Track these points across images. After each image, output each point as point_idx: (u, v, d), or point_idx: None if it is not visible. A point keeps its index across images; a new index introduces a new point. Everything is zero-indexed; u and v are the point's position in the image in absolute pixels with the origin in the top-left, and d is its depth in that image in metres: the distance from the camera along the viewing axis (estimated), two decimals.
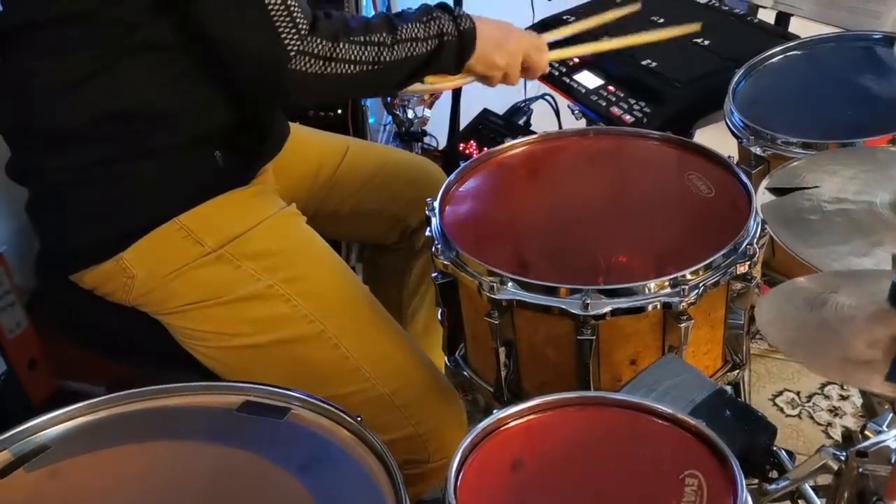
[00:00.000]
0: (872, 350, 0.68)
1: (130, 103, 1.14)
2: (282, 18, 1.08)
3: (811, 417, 1.90)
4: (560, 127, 2.12)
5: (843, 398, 1.93)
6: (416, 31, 1.19)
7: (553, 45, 1.41)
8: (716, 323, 1.11)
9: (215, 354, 1.22)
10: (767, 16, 1.72)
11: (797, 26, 1.68)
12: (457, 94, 2.21)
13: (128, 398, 0.94)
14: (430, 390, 1.26)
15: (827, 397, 1.94)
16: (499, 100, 2.19)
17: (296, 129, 1.45)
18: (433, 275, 1.15)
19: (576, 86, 1.57)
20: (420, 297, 1.62)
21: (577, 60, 1.62)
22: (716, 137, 1.39)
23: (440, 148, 2.17)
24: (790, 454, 0.87)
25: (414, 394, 1.24)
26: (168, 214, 1.18)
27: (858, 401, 1.91)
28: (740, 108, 1.32)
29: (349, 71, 1.14)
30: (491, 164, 1.29)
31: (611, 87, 1.54)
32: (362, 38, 1.14)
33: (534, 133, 1.77)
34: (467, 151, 2.01)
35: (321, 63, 1.12)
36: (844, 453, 0.77)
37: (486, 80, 1.33)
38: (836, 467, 0.78)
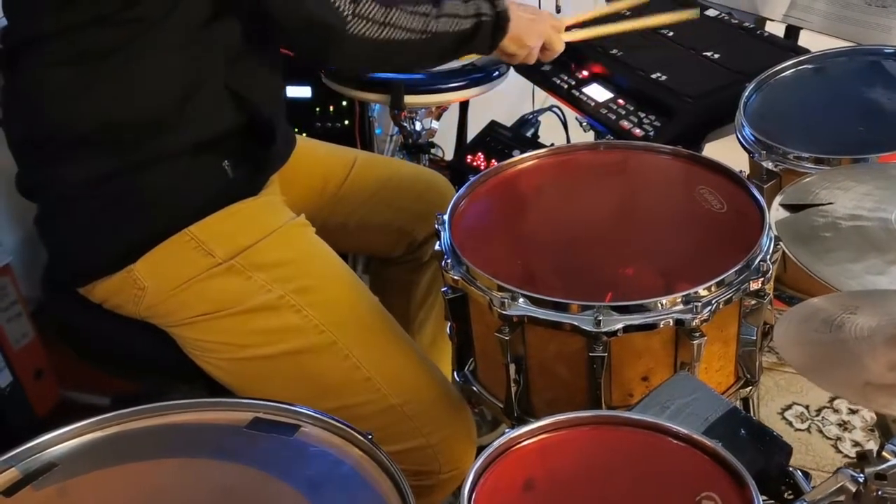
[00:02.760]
0: (893, 373, 0.67)
1: (138, 109, 1.14)
2: None
3: (820, 431, 1.89)
4: (568, 139, 2.12)
5: (853, 412, 1.92)
6: (457, 7, 1.26)
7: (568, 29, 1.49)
8: (728, 339, 1.10)
9: (225, 366, 1.21)
10: (776, 29, 1.71)
11: (806, 40, 1.67)
12: (464, 105, 2.21)
13: (136, 415, 0.93)
14: (440, 401, 1.26)
15: (836, 411, 1.93)
16: (506, 112, 2.19)
17: (303, 142, 1.45)
18: (443, 289, 1.14)
19: (585, 99, 1.56)
20: (427, 310, 1.61)
21: (585, 74, 1.61)
22: (726, 151, 1.38)
23: (447, 159, 2.17)
24: (806, 475, 0.86)
25: (425, 405, 1.24)
26: (178, 226, 1.18)
27: (868, 415, 1.90)
28: (751, 122, 1.31)
29: (400, 37, 1.20)
30: (500, 177, 1.28)
31: (620, 101, 1.53)
32: (411, 8, 1.21)
33: (542, 145, 1.77)
34: (474, 163, 2.01)
35: (377, 27, 1.18)
36: (863, 475, 0.76)
37: (510, 57, 1.40)
38: (853, 489, 0.76)
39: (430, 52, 1.29)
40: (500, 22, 1.30)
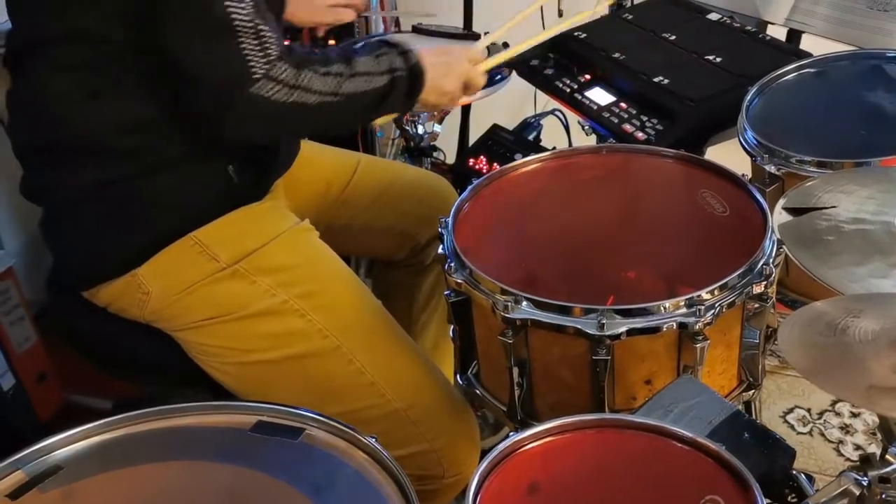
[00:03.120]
0: None
1: (142, 115, 1.14)
2: (250, 42, 1.06)
3: (822, 435, 1.88)
4: (570, 142, 2.12)
5: (855, 415, 1.92)
6: (369, 65, 1.18)
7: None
8: (731, 343, 1.10)
9: (230, 370, 1.22)
10: (778, 33, 1.71)
11: (808, 44, 1.68)
12: (466, 109, 2.22)
13: (141, 418, 0.94)
14: (444, 405, 1.26)
15: (838, 414, 1.93)
16: (508, 115, 2.19)
17: (306, 145, 1.45)
18: (446, 293, 1.14)
19: (587, 102, 1.57)
20: (429, 313, 1.62)
21: (587, 77, 1.62)
22: (728, 155, 1.38)
23: (449, 163, 2.17)
24: (810, 478, 0.86)
25: (428, 409, 1.24)
26: (183, 230, 1.18)
27: (870, 418, 1.90)
28: (754, 125, 1.31)
29: (310, 101, 1.12)
30: (503, 181, 1.28)
31: (623, 104, 1.53)
32: (323, 70, 1.13)
33: (544, 148, 1.78)
34: (477, 167, 2.01)
35: (286, 90, 1.09)
36: (867, 479, 0.76)
37: (433, 108, 1.34)
38: (857, 493, 0.77)
39: (341, 117, 1.21)
40: (414, 76, 1.22)
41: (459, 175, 1.95)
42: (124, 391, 1.45)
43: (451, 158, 2.19)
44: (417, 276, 1.60)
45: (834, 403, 1.95)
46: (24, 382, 1.81)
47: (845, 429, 1.90)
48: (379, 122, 1.32)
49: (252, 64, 1.06)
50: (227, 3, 1.04)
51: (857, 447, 1.85)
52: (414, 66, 1.22)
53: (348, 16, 1.68)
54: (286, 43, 1.12)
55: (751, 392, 1.14)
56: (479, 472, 0.80)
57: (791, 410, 1.95)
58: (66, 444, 0.90)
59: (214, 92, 1.08)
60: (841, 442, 1.87)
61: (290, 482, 0.86)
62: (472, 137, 2.14)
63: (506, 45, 1.79)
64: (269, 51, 1.07)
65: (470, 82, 1.33)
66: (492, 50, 1.72)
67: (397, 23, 2.30)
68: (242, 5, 1.04)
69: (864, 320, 0.75)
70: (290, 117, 1.13)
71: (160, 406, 0.93)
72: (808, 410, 1.94)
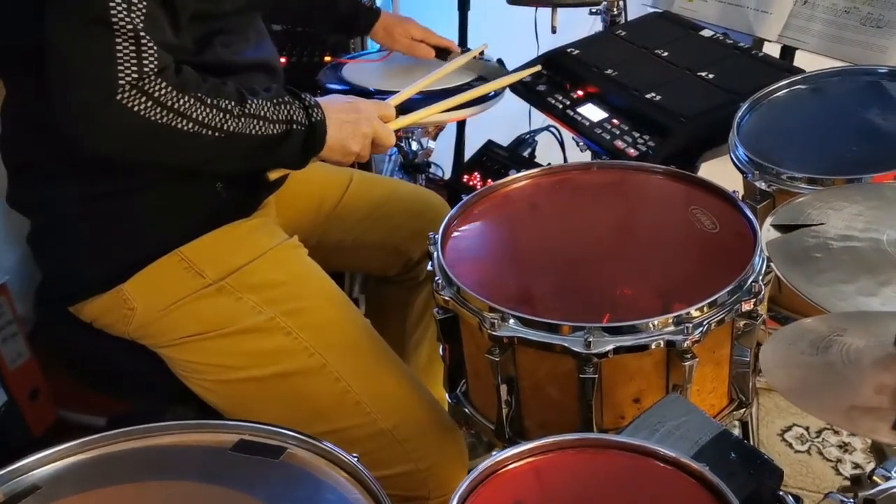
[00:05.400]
0: (880, 396, 0.66)
1: None
2: (126, 47, 1.00)
3: (820, 453, 1.87)
4: (565, 159, 2.12)
5: (853, 434, 1.90)
6: (265, 109, 1.12)
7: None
8: (721, 361, 1.09)
9: (214, 388, 1.21)
10: (773, 49, 1.71)
11: (802, 60, 1.67)
12: (461, 125, 2.22)
13: (120, 437, 0.93)
14: (431, 426, 1.25)
15: (836, 433, 1.91)
16: (504, 131, 2.19)
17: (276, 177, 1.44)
18: (434, 310, 1.13)
19: (580, 119, 1.56)
20: (423, 329, 1.61)
21: (580, 94, 1.61)
22: (721, 171, 1.37)
23: (445, 179, 2.17)
24: (797, 499, 0.85)
25: (415, 429, 1.23)
26: (170, 246, 1.18)
27: (869, 439, 1.88)
28: (745, 142, 1.31)
29: (187, 128, 1.05)
30: (493, 197, 1.28)
31: (615, 120, 1.53)
32: (210, 100, 1.07)
33: (538, 165, 1.78)
34: (471, 183, 2.01)
35: (157, 109, 1.02)
36: (852, 500, 0.75)
37: (337, 163, 1.28)
38: None
39: (226, 155, 1.11)
40: (314, 133, 1.17)
41: (455, 191, 1.95)
42: (118, 408, 1.44)
43: (446, 175, 2.20)
44: (410, 293, 1.59)
45: None
46: (17, 399, 1.80)
47: (844, 447, 1.88)
48: (272, 175, 1.26)
49: (122, 69, 0.99)
50: (112, 2, 0.99)
51: (856, 466, 1.84)
52: (316, 123, 1.17)
53: (422, 51, 1.70)
54: (179, 64, 1.06)
55: (741, 410, 1.13)
56: (459, 493, 0.79)
57: (789, 428, 1.93)
58: (44, 464, 0.89)
59: (79, 95, 1.00)
60: (839, 461, 1.85)
61: (271, 502, 0.85)
62: (468, 153, 2.14)
63: (500, 62, 1.80)
64: (147, 61, 1.01)
65: (378, 140, 1.28)
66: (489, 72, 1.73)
67: None
68: (127, 8, 0.99)
69: (848, 339, 0.74)
70: (158, 140, 1.05)
71: (139, 425, 0.93)
72: (807, 429, 1.93)
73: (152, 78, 1.02)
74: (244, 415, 1.15)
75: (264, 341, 1.18)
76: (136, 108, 1.01)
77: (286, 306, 1.19)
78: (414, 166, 1.88)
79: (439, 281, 1.10)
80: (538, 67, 1.67)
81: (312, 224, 1.46)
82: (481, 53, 1.75)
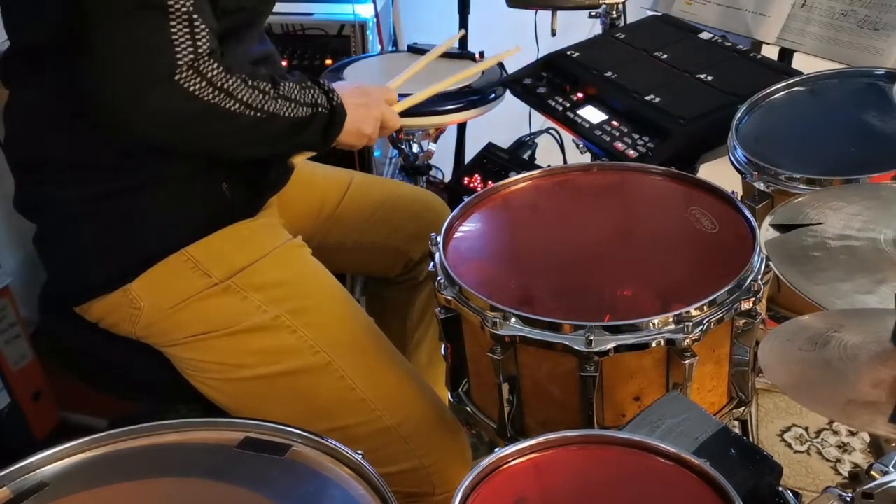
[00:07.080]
0: (877, 390, 0.67)
1: None
2: (181, 29, 1.01)
3: (819, 453, 1.88)
4: (565, 160, 2.13)
5: (852, 434, 1.91)
6: (295, 93, 1.17)
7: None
8: (721, 359, 1.10)
9: (220, 387, 1.22)
10: (770, 52, 1.73)
11: (800, 62, 1.69)
12: (462, 128, 2.23)
13: (127, 435, 0.94)
14: (435, 423, 1.26)
15: (836, 433, 1.92)
16: (503, 134, 2.21)
17: (301, 164, 1.46)
18: (436, 310, 1.14)
19: (580, 121, 1.57)
20: (424, 330, 1.62)
21: (580, 96, 1.63)
22: (720, 173, 1.39)
23: (445, 181, 2.19)
24: (796, 494, 0.86)
25: (419, 426, 1.24)
26: (176, 246, 1.19)
27: (867, 436, 1.89)
28: (744, 143, 1.32)
29: (233, 109, 1.08)
30: (494, 198, 1.29)
31: (615, 122, 1.54)
32: (251, 82, 1.11)
33: (538, 167, 1.78)
34: (472, 185, 2.02)
35: (209, 89, 1.05)
36: (850, 495, 0.76)
37: (349, 147, 1.32)
38: None
39: (263, 136, 1.15)
40: (335, 117, 1.22)
41: (455, 193, 1.96)
42: (120, 409, 1.45)
43: (447, 177, 2.21)
44: (411, 293, 1.60)
45: (832, 422, 1.94)
46: (20, 401, 1.81)
47: (843, 447, 1.89)
48: (296, 160, 1.31)
49: (179, 50, 1.01)
50: None
51: (855, 465, 1.85)
52: (337, 106, 1.22)
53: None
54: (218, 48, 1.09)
55: (741, 409, 1.14)
56: (462, 488, 0.80)
57: (788, 429, 1.94)
58: (51, 462, 0.90)
59: (133, 79, 1.01)
60: (838, 461, 1.86)
61: (276, 499, 0.86)
62: (468, 156, 2.15)
63: (500, 66, 1.81)
64: (200, 42, 1.03)
65: (386, 123, 1.36)
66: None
67: (395, 42, 2.32)
68: None
69: (845, 335, 0.75)
70: (202, 121, 1.07)
71: (146, 423, 0.93)
72: (806, 429, 1.94)
73: (206, 59, 1.04)
74: (250, 413, 1.16)
75: (270, 340, 1.19)
76: (191, 88, 1.04)
77: (291, 305, 1.21)
78: (415, 168, 1.89)
79: (442, 281, 1.11)
80: (520, 48, 1.67)
81: (313, 226, 1.48)
82: (460, 41, 1.75)
